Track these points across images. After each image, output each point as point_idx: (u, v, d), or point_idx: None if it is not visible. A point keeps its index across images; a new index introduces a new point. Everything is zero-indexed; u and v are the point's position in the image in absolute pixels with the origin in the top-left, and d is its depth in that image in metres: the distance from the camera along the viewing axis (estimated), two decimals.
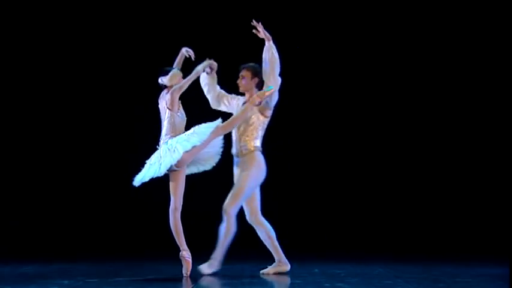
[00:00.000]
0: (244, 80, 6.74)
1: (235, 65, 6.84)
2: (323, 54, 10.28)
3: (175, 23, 10.10)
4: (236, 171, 6.74)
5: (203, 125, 6.53)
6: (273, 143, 6.92)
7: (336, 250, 9.33)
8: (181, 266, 6.48)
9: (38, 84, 10.15)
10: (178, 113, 6.56)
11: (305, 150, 10.34)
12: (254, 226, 6.74)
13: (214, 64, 6.74)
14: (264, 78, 6.67)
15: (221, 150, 6.78)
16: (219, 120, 6.57)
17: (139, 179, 6.34)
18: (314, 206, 10.22)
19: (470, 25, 10.06)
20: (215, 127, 6.47)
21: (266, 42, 6.64)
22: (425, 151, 10.25)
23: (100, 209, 9.80)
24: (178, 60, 6.82)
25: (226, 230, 6.60)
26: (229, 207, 6.59)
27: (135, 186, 6.39)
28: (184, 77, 6.61)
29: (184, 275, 6.46)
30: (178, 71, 6.67)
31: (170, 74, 6.58)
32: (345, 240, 9.95)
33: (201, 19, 10.13)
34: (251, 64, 6.77)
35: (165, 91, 6.64)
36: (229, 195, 6.63)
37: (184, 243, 6.49)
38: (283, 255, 6.75)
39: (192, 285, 6.07)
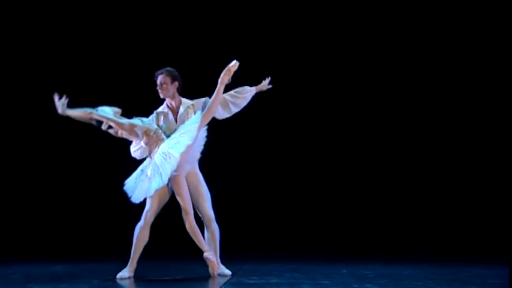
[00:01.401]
0: (165, 85, 6.58)
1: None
2: (317, 53, 10.23)
3: (168, 26, 10.21)
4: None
5: (187, 122, 6.48)
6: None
7: (364, 250, 9.28)
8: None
9: (34, 85, 10.17)
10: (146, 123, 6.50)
11: (329, 148, 10.31)
12: (146, 225, 6.52)
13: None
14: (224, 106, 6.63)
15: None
16: (199, 112, 6.51)
17: (141, 195, 6.32)
18: (342, 206, 10.18)
19: (470, 25, 9.97)
20: (203, 116, 6.43)
21: (255, 90, 6.70)
22: (440, 152, 10.15)
23: (127, 209, 9.86)
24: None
25: (215, 234, 6.57)
26: (210, 213, 6.58)
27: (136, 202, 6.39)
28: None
29: (212, 274, 6.48)
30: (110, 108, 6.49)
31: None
32: (373, 240, 9.90)
33: (195, 22, 10.21)
34: (167, 69, 6.65)
35: None
36: (203, 202, 6.55)
37: (204, 244, 6.48)
38: (136, 261, 6.56)
39: (219, 285, 6.07)
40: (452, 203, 10.05)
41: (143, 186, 6.32)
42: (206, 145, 6.64)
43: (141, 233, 6.48)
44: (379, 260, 8.18)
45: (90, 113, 6.30)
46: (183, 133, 6.37)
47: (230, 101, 6.67)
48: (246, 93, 6.69)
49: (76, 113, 6.32)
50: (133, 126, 6.41)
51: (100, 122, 6.40)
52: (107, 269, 7.06)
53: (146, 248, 6.60)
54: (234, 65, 6.55)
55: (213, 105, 6.54)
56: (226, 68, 6.56)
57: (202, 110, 6.59)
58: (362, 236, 9.97)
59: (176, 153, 6.24)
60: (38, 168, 10.17)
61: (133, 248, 6.51)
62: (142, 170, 6.41)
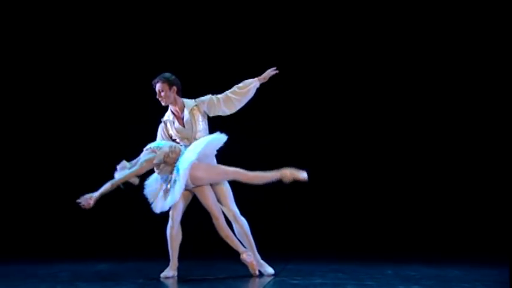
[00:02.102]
0: (164, 93, 6.50)
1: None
2: (319, 54, 10.14)
3: (167, 29, 10.17)
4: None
5: (199, 140, 6.44)
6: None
7: (408, 251, 9.15)
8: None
9: (35, 85, 10.26)
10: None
11: (378, 150, 10.22)
12: (175, 224, 6.52)
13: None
14: (229, 102, 6.52)
15: None
16: (218, 133, 6.43)
17: (158, 207, 6.37)
18: (384, 206, 10.08)
19: (470, 25, 9.81)
20: (240, 172, 6.37)
21: (258, 82, 6.56)
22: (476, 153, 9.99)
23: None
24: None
25: (244, 228, 6.52)
26: (234, 209, 6.53)
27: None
28: None
29: (253, 274, 6.46)
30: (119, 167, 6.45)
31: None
32: (418, 240, 9.77)
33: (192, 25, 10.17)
34: (163, 75, 6.54)
35: None
36: (224, 199, 6.51)
37: (240, 245, 6.48)
38: (176, 259, 6.56)
39: (263, 285, 6.05)
40: (493, 203, 9.88)
41: (161, 200, 6.35)
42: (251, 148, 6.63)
43: (172, 232, 6.51)
44: (425, 260, 8.05)
45: (112, 185, 6.25)
46: (189, 150, 6.36)
47: (233, 97, 6.55)
48: (249, 86, 6.54)
49: (102, 192, 6.22)
50: (150, 161, 6.34)
51: (127, 183, 6.36)
52: (151, 268, 7.10)
53: (188, 248, 6.64)
54: (302, 177, 6.42)
55: (260, 179, 6.42)
56: (294, 173, 6.42)
57: (208, 109, 6.53)
58: (405, 235, 9.86)
59: (181, 171, 6.23)
60: (85, 168, 10.29)
61: (169, 248, 6.55)
62: (161, 177, 6.42)
